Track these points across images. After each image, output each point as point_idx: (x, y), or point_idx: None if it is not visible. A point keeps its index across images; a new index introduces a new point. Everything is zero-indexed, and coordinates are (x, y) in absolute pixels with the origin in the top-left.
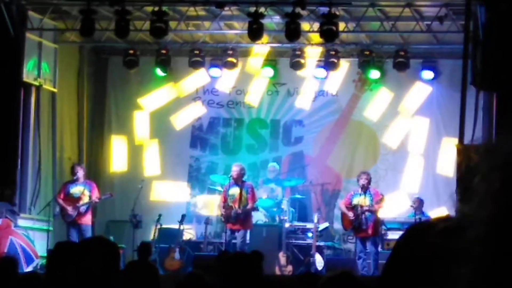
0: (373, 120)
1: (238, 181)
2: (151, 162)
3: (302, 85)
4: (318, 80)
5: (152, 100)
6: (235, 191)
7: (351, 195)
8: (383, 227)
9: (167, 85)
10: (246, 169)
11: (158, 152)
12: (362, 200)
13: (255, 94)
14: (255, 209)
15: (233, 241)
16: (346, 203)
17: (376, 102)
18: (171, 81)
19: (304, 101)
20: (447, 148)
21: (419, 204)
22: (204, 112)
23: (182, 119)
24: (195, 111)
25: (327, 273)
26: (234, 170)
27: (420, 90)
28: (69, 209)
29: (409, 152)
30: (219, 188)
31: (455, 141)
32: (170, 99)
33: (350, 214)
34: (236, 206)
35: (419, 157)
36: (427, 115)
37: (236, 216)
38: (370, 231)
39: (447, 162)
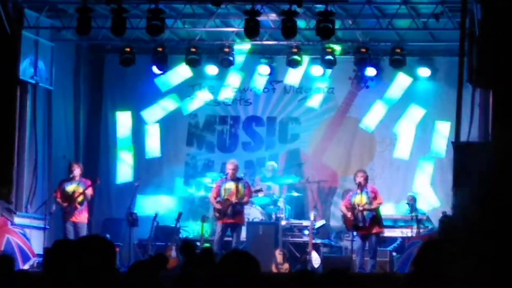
0: (371, 129)
1: (233, 177)
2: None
3: (304, 84)
4: (314, 77)
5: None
6: (231, 185)
7: (351, 195)
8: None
9: (165, 83)
10: (238, 165)
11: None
12: (360, 199)
13: (251, 92)
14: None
15: (226, 238)
16: (346, 204)
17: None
18: (168, 78)
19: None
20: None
21: (413, 201)
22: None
23: (193, 104)
24: (197, 103)
25: (322, 271)
26: (230, 168)
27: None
28: (66, 207)
29: (406, 149)
30: (214, 185)
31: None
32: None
33: (349, 214)
34: (233, 199)
35: (415, 153)
36: (423, 111)
37: (233, 210)
38: (369, 229)
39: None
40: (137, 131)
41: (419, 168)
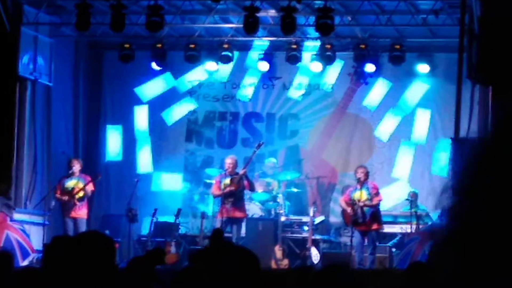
0: (373, 107)
1: (232, 173)
2: (146, 157)
3: (297, 77)
4: (313, 73)
5: (148, 92)
6: (229, 181)
7: (350, 191)
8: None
9: (163, 79)
10: (238, 161)
11: (151, 148)
12: (360, 195)
13: (250, 88)
14: (252, 187)
15: (226, 234)
16: (346, 199)
17: (374, 92)
18: (167, 75)
19: (296, 92)
20: (444, 146)
21: (414, 197)
22: (194, 107)
23: (175, 114)
24: (187, 106)
25: (322, 267)
26: (228, 162)
27: (417, 88)
28: (65, 203)
29: (404, 145)
30: (214, 182)
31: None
32: (166, 94)
33: (349, 210)
34: (233, 188)
35: (415, 150)
36: (422, 108)
37: (234, 202)
38: (368, 225)
39: (443, 160)
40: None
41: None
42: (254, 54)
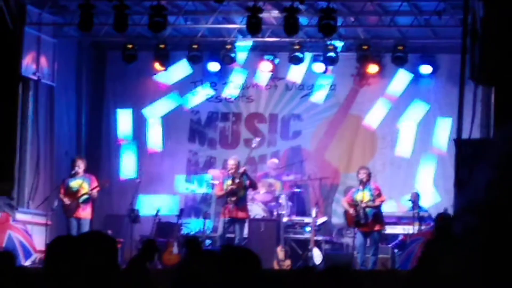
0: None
1: (235, 174)
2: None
3: (299, 78)
4: (316, 74)
5: (169, 79)
6: (231, 181)
7: (353, 192)
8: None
9: (165, 80)
10: (240, 162)
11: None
12: (362, 196)
13: (253, 89)
14: (254, 185)
15: (228, 235)
16: (349, 200)
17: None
18: (169, 75)
19: (299, 92)
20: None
21: (416, 198)
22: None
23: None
24: (199, 99)
25: (324, 268)
26: (231, 164)
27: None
28: (69, 203)
29: (407, 147)
30: (217, 182)
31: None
32: (168, 94)
33: (351, 211)
34: (235, 187)
35: (417, 151)
36: (425, 108)
37: (237, 203)
38: (371, 226)
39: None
40: (138, 127)
41: (421, 165)
42: (253, 54)
